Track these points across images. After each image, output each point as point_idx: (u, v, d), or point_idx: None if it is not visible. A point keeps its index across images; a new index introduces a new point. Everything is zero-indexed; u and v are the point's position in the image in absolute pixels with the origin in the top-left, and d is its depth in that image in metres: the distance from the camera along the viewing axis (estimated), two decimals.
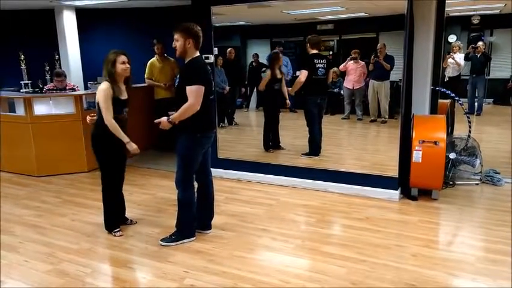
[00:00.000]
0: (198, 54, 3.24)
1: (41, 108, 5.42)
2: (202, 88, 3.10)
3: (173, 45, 3.22)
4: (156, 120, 3.25)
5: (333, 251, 3.24)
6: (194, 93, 3.08)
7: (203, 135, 3.29)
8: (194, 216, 3.48)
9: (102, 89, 3.36)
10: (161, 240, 3.43)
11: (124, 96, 3.50)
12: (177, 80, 3.29)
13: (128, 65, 3.43)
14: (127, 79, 3.52)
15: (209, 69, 3.32)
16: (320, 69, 4.84)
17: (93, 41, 7.52)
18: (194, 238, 3.48)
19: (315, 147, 4.99)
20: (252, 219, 3.93)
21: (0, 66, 7.86)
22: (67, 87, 5.75)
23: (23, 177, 5.51)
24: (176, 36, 3.17)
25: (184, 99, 3.11)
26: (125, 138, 3.45)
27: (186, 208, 3.40)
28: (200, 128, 3.26)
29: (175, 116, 3.17)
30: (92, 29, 7.72)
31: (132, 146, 3.47)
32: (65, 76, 5.87)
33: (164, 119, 3.21)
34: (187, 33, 3.14)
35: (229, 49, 5.57)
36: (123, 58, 3.41)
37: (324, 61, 4.87)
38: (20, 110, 5.49)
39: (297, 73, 5.25)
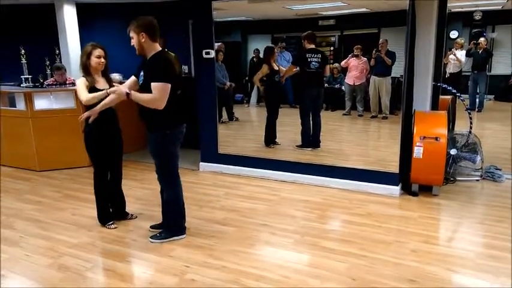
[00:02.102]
0: (159, 48, 3.07)
1: (41, 103, 5.42)
2: (168, 86, 2.95)
3: (131, 44, 3.08)
4: (113, 89, 3.14)
5: (333, 247, 3.25)
6: (160, 90, 2.93)
7: (174, 131, 3.18)
8: (181, 213, 3.44)
9: (77, 83, 3.42)
10: (150, 238, 3.41)
11: (103, 87, 3.45)
12: (141, 78, 3.10)
13: (103, 60, 3.42)
14: (105, 71, 3.52)
15: (174, 63, 3.10)
16: (313, 62, 4.86)
17: (93, 35, 7.46)
18: (184, 236, 3.43)
19: (306, 139, 5.05)
20: (252, 214, 3.94)
21: (0, 60, 7.84)
22: (67, 82, 5.74)
23: (24, 171, 5.52)
24: (130, 34, 3.04)
25: None
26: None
27: (172, 206, 3.35)
28: (170, 124, 3.13)
29: (135, 95, 3.02)
30: (93, 23, 7.69)
31: (117, 91, 3.14)
32: (65, 70, 5.86)
33: (123, 88, 3.08)
34: (139, 27, 2.99)
35: (219, 44, 5.48)
36: (99, 52, 3.40)
37: (319, 55, 4.91)
38: (21, 105, 5.48)
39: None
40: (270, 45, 5.36)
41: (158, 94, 2.95)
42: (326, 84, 5.46)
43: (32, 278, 2.90)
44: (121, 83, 3.62)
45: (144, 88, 3.04)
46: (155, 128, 3.14)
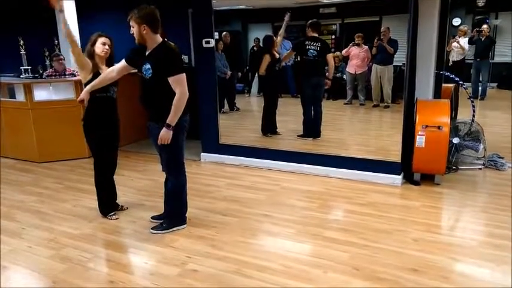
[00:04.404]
0: (160, 39, 3.03)
1: (41, 94, 5.39)
2: (184, 76, 2.99)
3: (131, 32, 3.04)
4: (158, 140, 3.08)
5: (335, 236, 3.24)
6: (182, 82, 2.95)
7: (180, 121, 3.10)
8: (185, 203, 3.44)
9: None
10: (152, 229, 3.41)
11: None
12: (149, 72, 3.01)
13: (107, 47, 3.41)
14: (109, 61, 3.49)
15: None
16: (311, 50, 4.81)
17: (92, 25, 7.37)
18: (185, 225, 3.44)
19: (309, 129, 5.00)
20: (253, 204, 3.93)
21: None
22: (67, 72, 5.70)
23: (24, 163, 5.51)
24: (131, 23, 3.00)
25: (160, 91, 2.97)
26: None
27: (176, 195, 3.36)
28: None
29: (171, 117, 2.99)
30: (91, 13, 7.62)
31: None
32: (63, 57, 5.83)
33: (163, 132, 3.01)
34: (140, 18, 2.94)
35: (224, 33, 5.51)
36: (104, 39, 3.41)
37: (318, 43, 4.85)
38: (20, 96, 5.46)
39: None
40: (269, 34, 5.33)
41: (182, 87, 2.97)
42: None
43: (34, 269, 2.91)
44: None
45: (153, 81, 3.01)
46: (162, 118, 3.05)
